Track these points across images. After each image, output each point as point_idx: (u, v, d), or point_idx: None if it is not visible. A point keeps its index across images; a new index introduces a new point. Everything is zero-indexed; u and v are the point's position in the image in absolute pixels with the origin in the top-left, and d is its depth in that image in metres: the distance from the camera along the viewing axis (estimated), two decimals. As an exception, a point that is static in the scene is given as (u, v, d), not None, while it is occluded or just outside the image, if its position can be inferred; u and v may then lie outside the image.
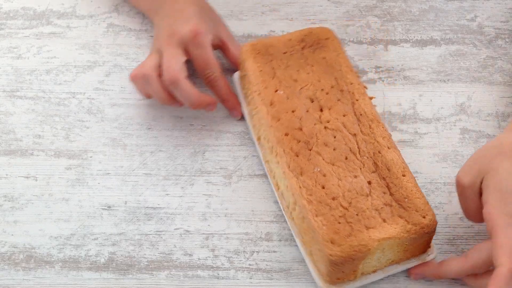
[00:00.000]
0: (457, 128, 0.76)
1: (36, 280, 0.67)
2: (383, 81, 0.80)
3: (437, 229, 0.67)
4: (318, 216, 0.62)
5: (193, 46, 0.73)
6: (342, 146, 0.66)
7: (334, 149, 0.66)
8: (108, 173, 0.74)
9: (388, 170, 0.65)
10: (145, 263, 0.68)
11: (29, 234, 0.70)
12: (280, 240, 0.69)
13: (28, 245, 0.69)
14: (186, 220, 0.70)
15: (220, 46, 0.79)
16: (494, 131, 0.76)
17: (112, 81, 0.81)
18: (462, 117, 0.77)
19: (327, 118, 0.68)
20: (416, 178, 0.65)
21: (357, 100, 0.70)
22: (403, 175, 0.65)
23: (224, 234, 0.69)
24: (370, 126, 0.68)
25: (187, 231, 0.70)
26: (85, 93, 0.80)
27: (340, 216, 0.62)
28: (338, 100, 0.70)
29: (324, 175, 0.64)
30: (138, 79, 0.73)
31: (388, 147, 0.66)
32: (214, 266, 0.67)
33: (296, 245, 0.68)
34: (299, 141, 0.66)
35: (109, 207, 0.71)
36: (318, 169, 0.64)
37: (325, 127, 0.68)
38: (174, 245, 0.69)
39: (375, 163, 0.65)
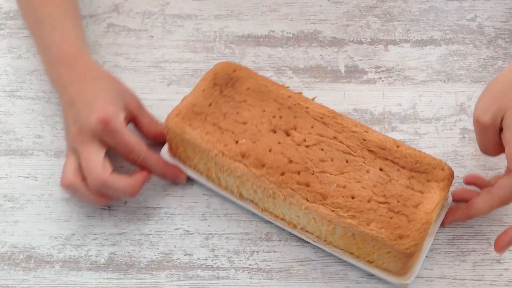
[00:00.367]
0: (457, 128, 0.76)
1: (36, 280, 0.67)
2: (383, 81, 0.80)
3: (437, 229, 0.68)
4: (370, 224, 0.61)
5: (107, 136, 0.67)
6: (335, 153, 0.65)
7: (332, 160, 0.65)
8: (108, 173, 0.74)
9: (383, 149, 0.66)
10: (145, 263, 0.68)
11: (29, 234, 0.70)
12: (280, 240, 0.69)
13: (28, 245, 0.69)
14: (186, 220, 0.70)
15: (131, 120, 0.72)
16: (494, 131, 0.76)
17: (112, 81, 0.81)
18: (462, 117, 0.77)
19: (300, 138, 0.66)
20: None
21: (307, 108, 0.68)
22: (397, 146, 0.66)
23: (224, 234, 0.69)
24: (337, 123, 0.67)
25: (187, 231, 0.70)
26: (85, 93, 0.80)
27: (387, 212, 0.62)
28: (295, 117, 0.68)
29: (344, 187, 0.63)
30: (68, 190, 0.67)
31: (366, 131, 0.67)
32: (214, 266, 0.67)
33: (296, 245, 0.68)
34: (299, 172, 0.64)
35: (109, 207, 0.71)
36: (335, 185, 0.63)
37: (307, 146, 0.66)
38: (174, 245, 0.69)
39: (370, 151, 0.66)
